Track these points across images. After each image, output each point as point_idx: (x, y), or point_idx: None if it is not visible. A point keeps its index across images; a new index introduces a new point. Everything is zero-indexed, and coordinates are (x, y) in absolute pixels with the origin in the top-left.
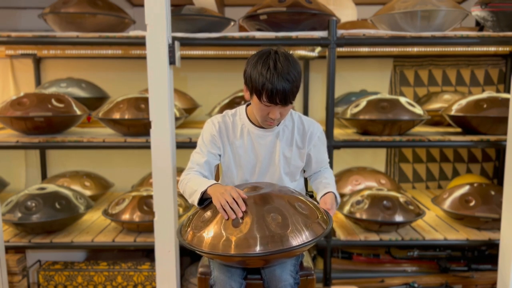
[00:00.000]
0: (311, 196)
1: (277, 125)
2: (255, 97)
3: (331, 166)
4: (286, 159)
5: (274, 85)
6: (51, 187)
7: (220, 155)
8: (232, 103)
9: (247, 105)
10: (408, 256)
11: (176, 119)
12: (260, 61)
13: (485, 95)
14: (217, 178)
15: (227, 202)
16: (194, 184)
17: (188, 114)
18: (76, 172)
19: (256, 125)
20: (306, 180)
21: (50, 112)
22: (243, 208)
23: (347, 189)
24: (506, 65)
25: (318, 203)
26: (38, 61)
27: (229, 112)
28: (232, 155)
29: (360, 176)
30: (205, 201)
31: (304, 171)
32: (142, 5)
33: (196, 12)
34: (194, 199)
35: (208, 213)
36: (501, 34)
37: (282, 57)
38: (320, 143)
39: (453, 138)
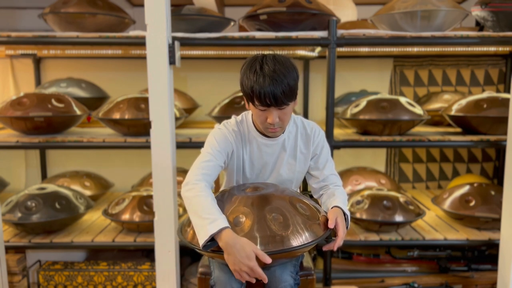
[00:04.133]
0: (311, 197)
1: (282, 133)
2: (251, 104)
3: None
4: (290, 166)
5: (261, 86)
6: (51, 187)
7: (226, 162)
8: (232, 103)
9: None
10: (408, 256)
11: (176, 119)
12: (248, 66)
13: (485, 95)
14: (216, 180)
15: (246, 276)
16: (204, 208)
17: (188, 114)
18: (76, 172)
19: (263, 134)
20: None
21: (50, 112)
22: (264, 279)
23: (347, 189)
24: (506, 65)
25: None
26: (38, 61)
27: (237, 119)
28: (237, 162)
29: (360, 176)
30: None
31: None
32: (142, 5)
33: (196, 12)
34: (198, 230)
35: None
36: (501, 34)
37: (269, 59)
38: (322, 143)
39: (453, 138)
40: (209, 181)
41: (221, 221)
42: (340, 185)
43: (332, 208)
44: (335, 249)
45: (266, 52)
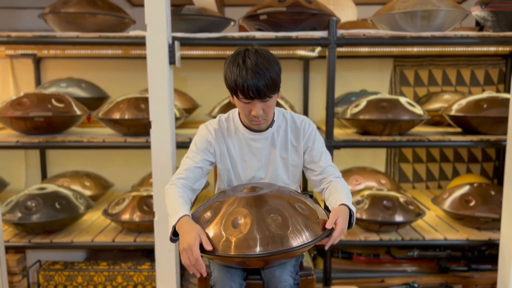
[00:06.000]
0: (311, 196)
1: (271, 127)
2: (235, 97)
3: None
4: (283, 160)
5: (244, 79)
6: (51, 187)
7: (213, 162)
8: (232, 103)
9: None
10: (408, 256)
11: (176, 119)
12: (231, 60)
13: (485, 95)
14: (215, 179)
15: (189, 264)
16: (170, 205)
17: (188, 114)
18: (76, 172)
19: (249, 128)
20: (303, 179)
21: (50, 112)
22: (203, 271)
23: None
24: (506, 65)
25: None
26: (38, 61)
27: (222, 117)
28: (230, 160)
29: (360, 176)
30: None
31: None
32: (142, 5)
33: (196, 12)
34: (169, 228)
35: (208, 214)
36: (501, 34)
37: (252, 53)
38: (314, 135)
39: (453, 138)
40: (183, 183)
41: (181, 212)
42: (340, 176)
43: (338, 206)
44: (326, 247)
45: (248, 47)
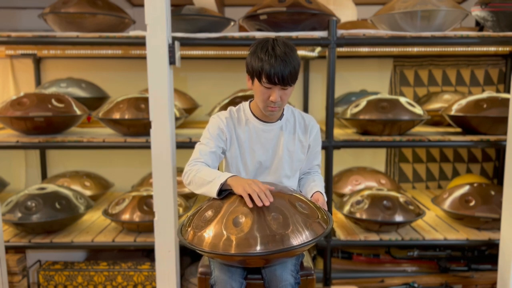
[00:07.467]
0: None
1: (280, 119)
2: (256, 82)
3: (331, 166)
4: (289, 153)
5: (271, 65)
6: (51, 187)
7: (224, 150)
8: (232, 103)
9: (250, 101)
10: (408, 256)
11: (176, 119)
12: (259, 46)
13: (485, 95)
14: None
15: (256, 191)
16: (207, 175)
17: (188, 114)
18: (76, 172)
19: (260, 119)
20: None
21: (50, 112)
22: (271, 198)
23: (347, 189)
24: (506, 65)
25: None
26: (38, 61)
27: (233, 108)
28: (239, 149)
29: (360, 176)
30: (222, 192)
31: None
32: (142, 5)
33: (196, 12)
34: (210, 190)
35: (209, 213)
36: (501, 34)
37: (280, 43)
38: (318, 137)
39: (453, 138)
40: (204, 164)
41: (226, 174)
42: (320, 172)
43: (315, 192)
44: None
45: (275, 36)
